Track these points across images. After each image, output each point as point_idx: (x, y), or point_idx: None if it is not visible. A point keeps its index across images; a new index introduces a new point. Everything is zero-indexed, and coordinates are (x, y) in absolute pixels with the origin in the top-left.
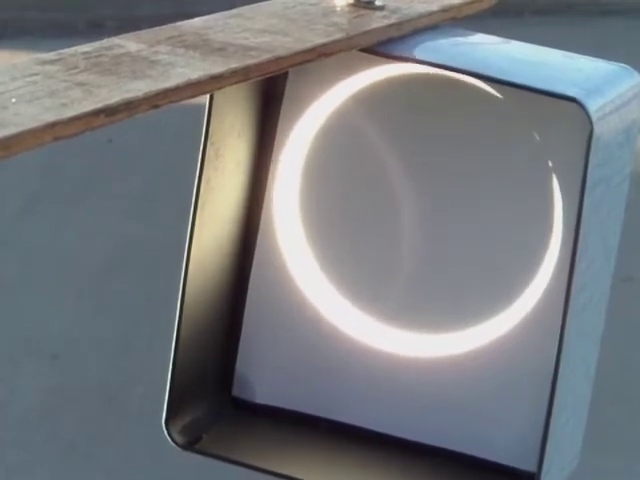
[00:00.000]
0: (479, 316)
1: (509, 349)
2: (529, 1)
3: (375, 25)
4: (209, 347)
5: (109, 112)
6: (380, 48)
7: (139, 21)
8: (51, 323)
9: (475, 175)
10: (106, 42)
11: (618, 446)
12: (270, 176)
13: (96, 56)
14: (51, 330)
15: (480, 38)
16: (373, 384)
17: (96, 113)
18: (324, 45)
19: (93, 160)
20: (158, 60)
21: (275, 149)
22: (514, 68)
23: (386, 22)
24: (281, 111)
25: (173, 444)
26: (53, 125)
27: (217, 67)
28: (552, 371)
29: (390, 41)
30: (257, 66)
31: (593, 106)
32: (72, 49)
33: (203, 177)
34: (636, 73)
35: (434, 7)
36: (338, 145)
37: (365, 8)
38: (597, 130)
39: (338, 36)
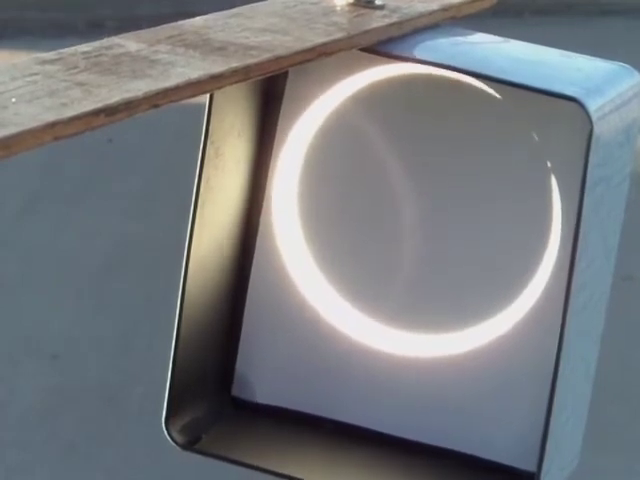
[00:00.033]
0: (479, 316)
1: (509, 349)
2: (529, 1)
3: (375, 24)
4: (209, 347)
5: (109, 112)
6: (380, 47)
7: (139, 21)
8: (51, 323)
9: (475, 175)
10: (106, 42)
11: (618, 445)
12: (270, 175)
13: (96, 56)
14: (51, 330)
15: (480, 37)
16: (373, 384)
17: (96, 113)
18: (324, 44)
19: (93, 160)
20: (158, 60)
21: (275, 148)
22: (514, 67)
23: (386, 21)
24: (281, 110)
25: (173, 444)
26: (53, 125)
27: (217, 66)
28: (552, 370)
29: (390, 40)
30: (257, 65)
31: (593, 105)
32: (72, 49)
33: (203, 176)
34: (636, 72)
35: (434, 6)
36: (338, 145)
37: (365, 7)
38: (597, 130)
39: (338, 35)
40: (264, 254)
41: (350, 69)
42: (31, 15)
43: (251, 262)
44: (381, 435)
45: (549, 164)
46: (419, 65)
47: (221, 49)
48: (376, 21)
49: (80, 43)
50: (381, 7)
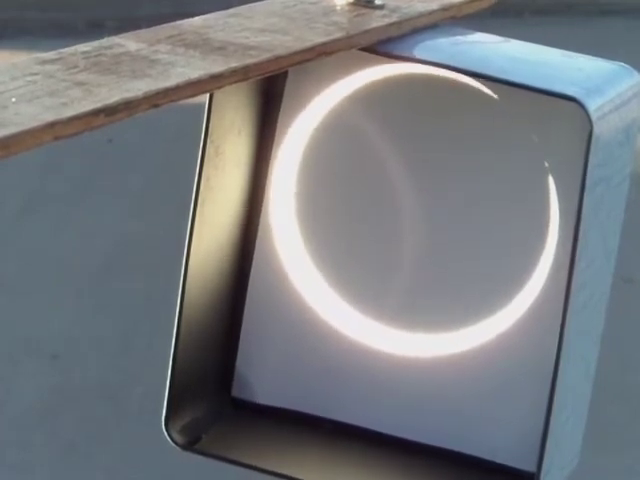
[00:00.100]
0: (478, 315)
1: (508, 348)
2: (529, 1)
3: (375, 24)
4: (209, 347)
5: (109, 112)
6: (380, 47)
7: (139, 21)
8: (51, 323)
9: (474, 174)
10: (106, 41)
11: (618, 445)
12: (269, 174)
13: (96, 55)
14: (51, 330)
15: (480, 37)
16: (372, 384)
17: (96, 113)
18: (324, 44)
19: (93, 160)
20: (158, 59)
21: (275, 147)
22: (514, 67)
23: (386, 21)
24: (281, 109)
25: (173, 444)
26: (53, 125)
27: (217, 66)
28: (552, 370)
29: (390, 40)
30: (257, 65)
31: (593, 105)
32: (72, 48)
33: (203, 175)
34: (636, 72)
35: (434, 6)
36: (337, 144)
37: (365, 7)
38: (597, 129)
39: (338, 35)
40: (264, 254)
41: (349, 68)
42: (31, 15)
43: (251, 262)
44: (380, 435)
45: (547, 164)
46: (419, 65)
47: (221, 49)
48: (376, 21)
49: (80, 43)
50: (381, 7)
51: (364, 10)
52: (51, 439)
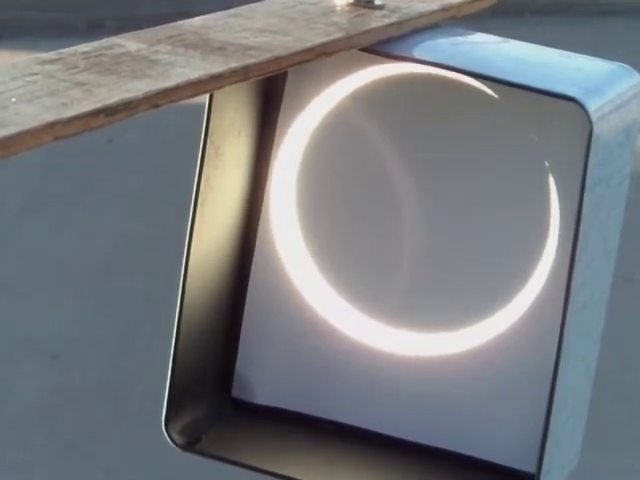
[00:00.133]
0: (478, 315)
1: (508, 348)
2: (529, 1)
3: (375, 24)
4: (209, 347)
5: (109, 112)
6: (380, 47)
7: (139, 21)
8: (51, 323)
9: (474, 174)
10: (106, 42)
11: (618, 445)
12: (269, 174)
13: (96, 56)
14: (51, 330)
15: (480, 37)
16: (372, 383)
17: (96, 113)
18: (324, 45)
19: (93, 160)
20: (158, 60)
21: (275, 147)
22: (514, 68)
23: (386, 21)
24: (281, 110)
25: (173, 445)
26: (53, 125)
27: (217, 67)
28: (552, 369)
29: (390, 40)
30: (257, 66)
31: (592, 106)
32: (72, 49)
33: (203, 175)
34: (635, 73)
35: (434, 6)
36: (337, 143)
37: (365, 7)
38: (597, 130)
39: (338, 35)
40: (264, 254)
41: (349, 68)
42: (31, 15)
43: (251, 262)
44: (380, 436)
45: (547, 164)
46: (419, 65)
47: (221, 49)
48: (375, 21)
49: (80, 43)
50: (381, 7)
51: (364, 10)
52: (51, 439)
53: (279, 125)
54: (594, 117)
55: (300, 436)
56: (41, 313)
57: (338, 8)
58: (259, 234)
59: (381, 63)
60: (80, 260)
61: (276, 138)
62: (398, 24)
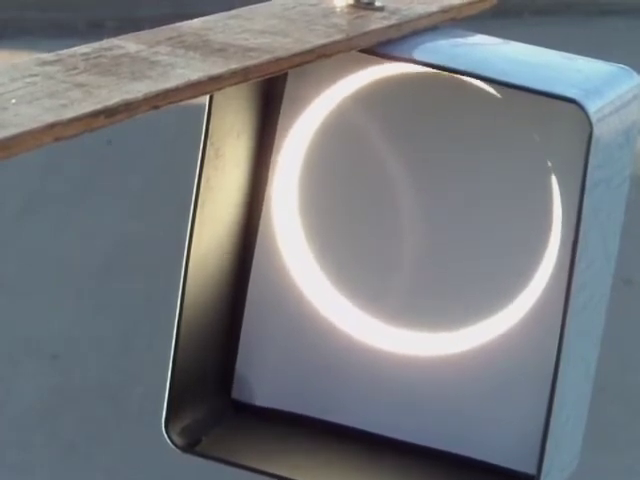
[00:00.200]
0: (478, 315)
1: (509, 348)
2: (529, 1)
3: (374, 26)
4: (209, 347)
5: (109, 113)
6: (380, 49)
7: (139, 21)
8: (51, 323)
9: (474, 174)
10: (106, 43)
11: (618, 445)
12: (270, 175)
13: (95, 57)
14: (51, 330)
15: (480, 39)
16: (372, 383)
17: (96, 114)
18: (324, 46)
19: (93, 160)
20: (158, 61)
21: (275, 149)
22: (514, 69)
23: (386, 23)
24: (281, 110)
25: (173, 447)
26: (53, 126)
27: (217, 68)
28: (552, 370)
29: (389, 42)
30: (257, 67)
31: (592, 107)
32: (72, 50)
33: (203, 176)
34: (635, 74)
35: (434, 8)
36: (337, 144)
37: (365, 9)
38: (597, 131)
39: (338, 37)
40: (264, 254)
41: (349, 70)
42: (31, 15)
43: (251, 262)
44: (380, 437)
45: (549, 163)
46: (419, 67)
47: (221, 50)
48: (375, 23)
49: (80, 43)
50: (381, 9)
51: (364, 12)
52: (51, 439)
53: (279, 126)
54: (594, 119)
55: (300, 437)
56: (41, 313)
57: (338, 9)
58: (260, 234)
59: (381, 64)
60: (80, 260)
61: (276, 139)
62: (398, 26)
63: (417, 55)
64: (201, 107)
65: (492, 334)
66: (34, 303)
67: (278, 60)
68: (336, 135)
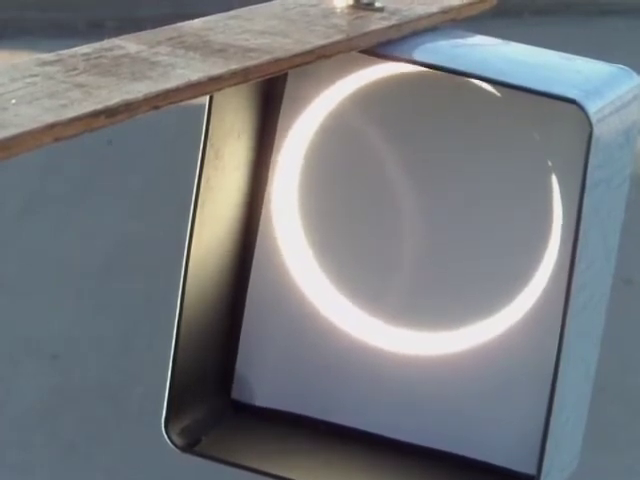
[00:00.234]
0: (478, 314)
1: (509, 348)
2: (529, 1)
3: (374, 27)
4: (209, 347)
5: (109, 113)
6: (379, 49)
7: (139, 22)
8: (51, 323)
9: (474, 174)
10: (106, 43)
11: (618, 445)
12: (270, 175)
13: (96, 57)
14: (51, 330)
15: (479, 40)
16: (372, 382)
17: (96, 114)
18: (323, 47)
19: (93, 160)
20: (158, 61)
21: (275, 149)
22: (513, 70)
23: (385, 24)
24: (281, 111)
25: (172, 447)
26: (53, 126)
27: (217, 68)
28: (552, 370)
29: (389, 42)
30: (257, 67)
31: (592, 108)
32: (72, 50)
33: (203, 176)
34: (635, 75)
35: (434, 9)
36: (337, 144)
37: (365, 10)
38: (597, 131)
39: (338, 37)
40: (264, 254)
41: (349, 70)
42: (31, 15)
43: (251, 262)
44: (380, 438)
45: (550, 164)
46: (419, 67)
47: (221, 51)
48: (375, 23)
49: (80, 43)
50: (380, 9)
51: (364, 13)
52: (51, 439)
53: (279, 127)
54: (594, 119)
55: (300, 438)
56: (41, 313)
57: (338, 10)
58: (260, 234)
59: (381, 64)
60: (80, 260)
61: (276, 140)
62: (398, 26)
63: (417, 55)
64: (201, 107)
65: (492, 334)
66: (34, 303)
67: (278, 61)
68: (336, 135)
